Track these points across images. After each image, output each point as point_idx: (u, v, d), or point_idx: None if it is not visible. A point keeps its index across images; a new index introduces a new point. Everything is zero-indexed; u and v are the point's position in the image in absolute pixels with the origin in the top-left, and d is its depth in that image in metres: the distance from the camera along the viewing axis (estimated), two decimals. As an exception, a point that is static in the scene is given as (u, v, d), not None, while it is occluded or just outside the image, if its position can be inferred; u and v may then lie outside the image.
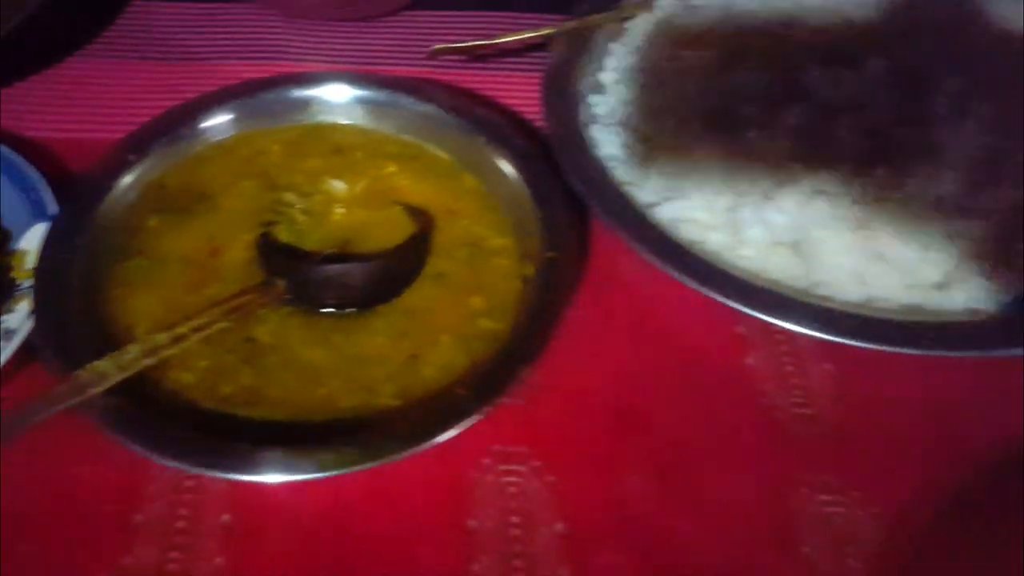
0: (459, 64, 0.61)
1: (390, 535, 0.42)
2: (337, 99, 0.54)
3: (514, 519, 0.42)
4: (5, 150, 0.51)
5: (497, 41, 0.57)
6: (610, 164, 0.49)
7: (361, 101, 0.53)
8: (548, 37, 0.55)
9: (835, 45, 0.46)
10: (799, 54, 0.46)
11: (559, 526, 0.42)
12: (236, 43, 0.63)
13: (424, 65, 0.61)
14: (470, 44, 0.56)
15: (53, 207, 0.49)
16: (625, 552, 0.41)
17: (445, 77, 0.60)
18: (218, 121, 0.53)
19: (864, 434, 0.44)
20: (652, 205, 0.47)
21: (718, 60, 0.48)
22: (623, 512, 0.42)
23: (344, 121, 0.54)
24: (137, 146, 0.51)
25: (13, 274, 0.48)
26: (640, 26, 0.54)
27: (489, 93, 0.60)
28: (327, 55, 0.62)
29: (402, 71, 0.61)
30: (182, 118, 0.52)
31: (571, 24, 0.54)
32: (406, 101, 0.53)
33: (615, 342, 0.48)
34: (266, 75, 0.58)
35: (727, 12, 0.50)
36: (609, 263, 0.50)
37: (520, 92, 0.59)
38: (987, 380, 0.45)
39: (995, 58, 0.46)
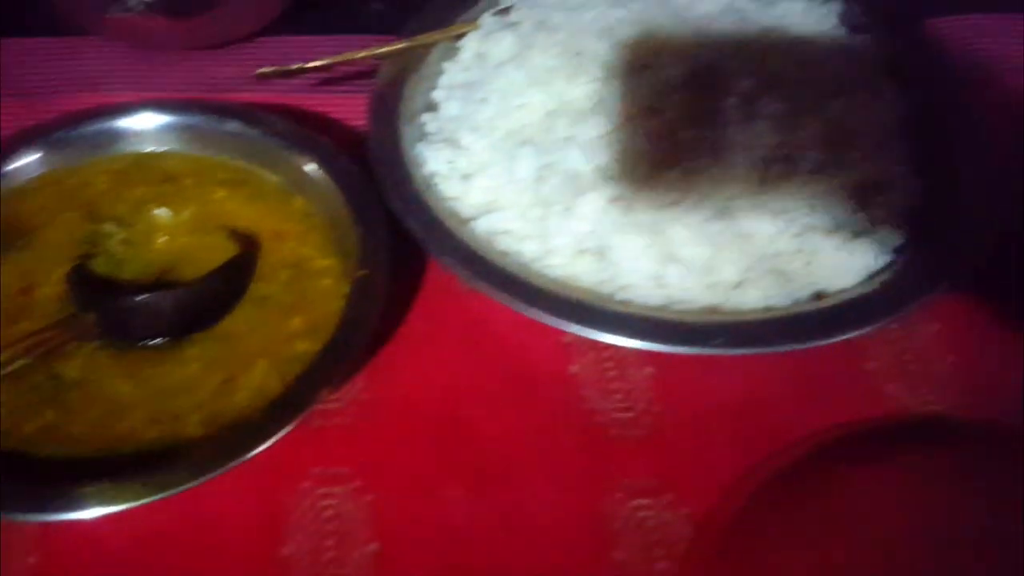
0: (303, 88, 0.61)
1: (201, 567, 0.41)
2: (165, 127, 0.53)
3: (329, 543, 0.42)
4: None
5: (324, 63, 0.57)
6: (434, 180, 0.49)
7: (189, 128, 0.53)
8: (378, 57, 0.55)
9: (635, 54, 0.46)
10: (599, 67, 0.47)
11: (373, 546, 0.41)
12: (88, 76, 0.62)
13: (269, 90, 0.61)
14: (295, 67, 0.56)
15: None
16: (437, 567, 0.41)
17: (289, 100, 0.60)
18: (41, 155, 0.52)
19: (680, 436, 0.44)
20: (472, 218, 0.47)
21: (530, 75, 0.48)
22: (440, 526, 0.42)
23: (174, 149, 0.53)
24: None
25: None
26: (470, 45, 0.54)
27: (333, 115, 0.60)
28: (176, 84, 0.62)
29: (249, 96, 0.61)
30: (7, 153, 0.51)
31: (399, 45, 0.54)
32: (234, 126, 0.53)
33: (444, 356, 0.48)
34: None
35: (540, 27, 0.50)
36: (443, 279, 0.50)
37: (361, 112, 0.59)
38: (800, 374, 0.45)
39: (784, 58, 0.47)
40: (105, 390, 0.43)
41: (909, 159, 0.47)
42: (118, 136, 0.53)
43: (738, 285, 0.42)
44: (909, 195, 0.45)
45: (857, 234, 0.43)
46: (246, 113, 0.53)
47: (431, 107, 0.54)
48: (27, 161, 0.52)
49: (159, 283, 0.48)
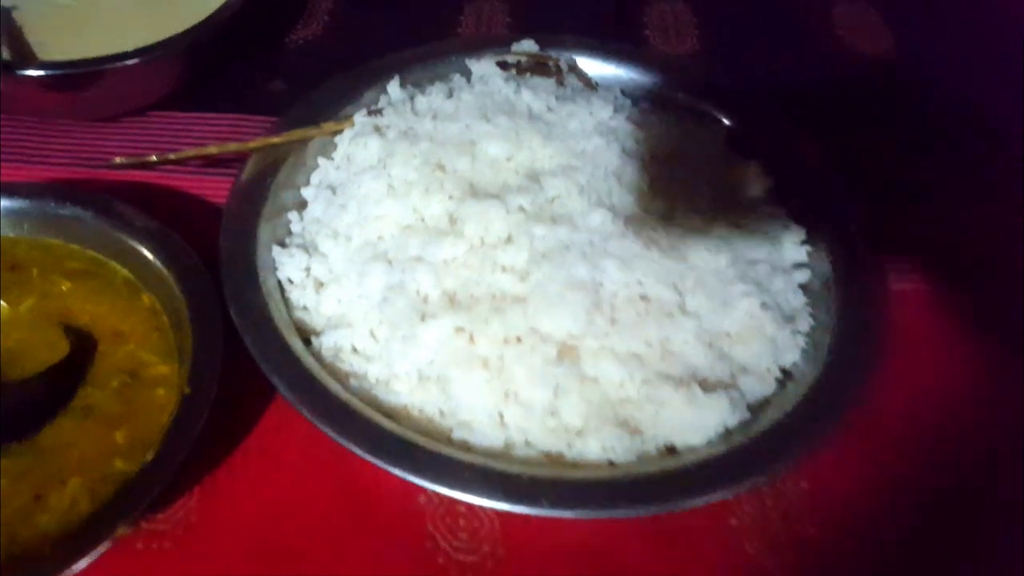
0: (183, 169, 0.59)
1: None
2: (18, 212, 0.51)
3: None
4: None
5: (182, 156, 0.55)
6: (288, 288, 0.46)
7: (42, 215, 0.51)
8: (250, 151, 0.53)
9: (495, 175, 0.45)
10: (457, 185, 0.45)
11: None
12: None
13: (156, 170, 0.59)
14: (153, 158, 0.54)
15: None
16: None
17: (164, 180, 0.58)
18: None
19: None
20: (320, 332, 0.45)
21: (389, 185, 0.47)
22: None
23: (26, 234, 0.51)
24: None
25: None
26: (343, 142, 0.52)
27: (208, 196, 0.57)
28: (57, 156, 0.60)
29: (131, 175, 0.59)
30: None
31: (273, 140, 0.52)
32: (87, 216, 0.50)
33: (283, 477, 0.45)
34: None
35: (405, 135, 0.49)
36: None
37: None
38: (658, 526, 0.43)
39: (646, 193, 0.46)
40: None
41: (774, 308, 0.45)
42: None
43: (581, 432, 0.39)
44: (772, 348, 0.43)
45: (712, 386, 0.41)
46: (101, 202, 0.51)
47: (301, 205, 0.52)
48: None
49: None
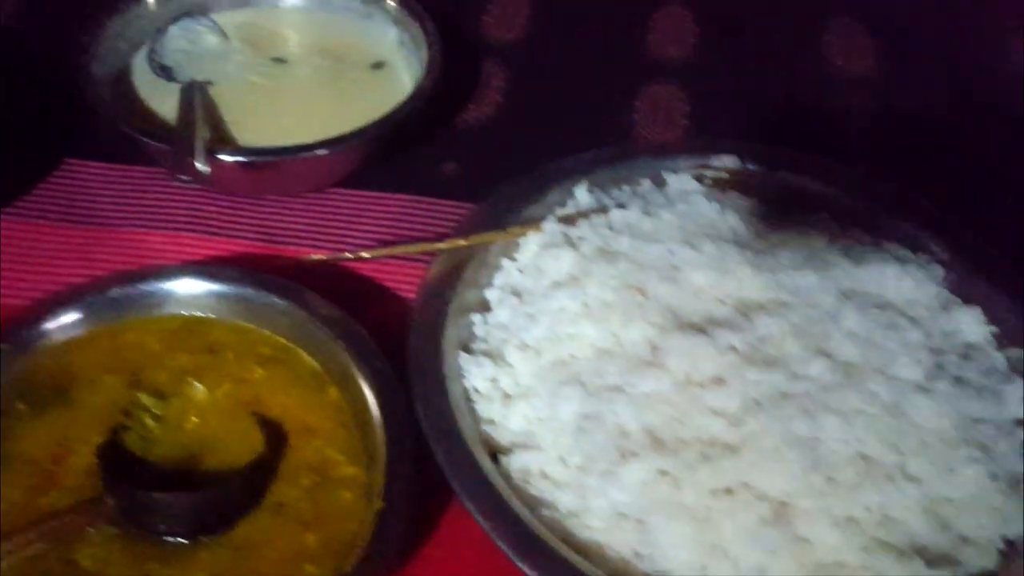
0: (365, 248, 0.61)
1: None
2: (214, 294, 0.54)
3: None
4: None
5: (377, 254, 0.56)
6: (474, 398, 0.47)
7: (239, 299, 0.53)
8: (436, 251, 0.54)
9: (701, 307, 0.44)
10: (659, 313, 0.44)
11: None
12: (153, 211, 0.64)
13: (333, 248, 0.61)
14: (348, 255, 0.56)
15: None
16: None
17: (347, 263, 0.60)
18: (91, 310, 0.53)
19: None
20: (508, 450, 0.45)
21: (584, 304, 0.46)
22: None
23: (222, 316, 0.54)
24: (7, 334, 0.51)
25: None
26: (530, 246, 0.53)
27: (386, 282, 0.59)
28: (241, 230, 0.63)
29: (309, 250, 0.61)
30: (54, 306, 0.53)
31: (459, 243, 0.53)
32: (279, 303, 0.53)
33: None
34: (181, 248, 0.61)
35: (602, 253, 0.48)
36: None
37: (414, 281, 0.58)
38: None
39: (864, 345, 0.43)
40: (113, 585, 0.43)
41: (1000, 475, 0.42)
42: (168, 299, 0.54)
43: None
44: (998, 518, 0.40)
45: (932, 557, 0.39)
46: (292, 290, 0.53)
47: (484, 306, 0.52)
48: (73, 318, 0.53)
49: (184, 469, 0.47)
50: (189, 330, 0.53)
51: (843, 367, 0.42)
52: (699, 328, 0.43)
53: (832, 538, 0.38)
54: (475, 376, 0.47)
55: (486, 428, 0.46)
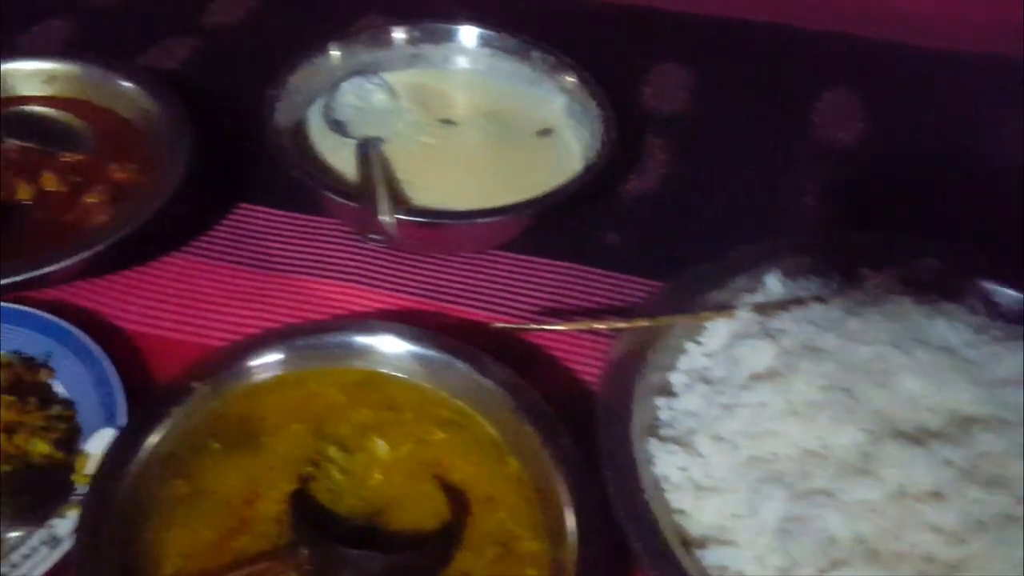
0: (525, 313, 0.63)
1: None
2: (397, 351, 0.56)
3: None
4: (96, 349, 0.56)
5: (560, 328, 0.57)
6: (663, 486, 0.48)
7: (421, 358, 0.55)
8: (618, 331, 0.55)
9: (915, 417, 0.43)
10: (871, 419, 0.44)
11: None
12: (320, 259, 0.67)
13: (493, 309, 0.63)
14: (531, 327, 0.57)
15: (123, 417, 0.53)
16: None
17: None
18: (281, 356, 0.55)
19: None
20: (700, 544, 0.45)
21: (788, 401, 0.46)
22: None
23: (401, 374, 0.55)
24: (203, 373, 0.54)
25: (74, 477, 0.52)
26: (719, 330, 0.53)
27: (560, 356, 0.60)
28: (405, 285, 0.65)
29: (473, 313, 0.63)
30: (246, 350, 0.55)
31: (642, 323, 0.54)
32: (463, 367, 0.54)
33: None
34: (347, 298, 0.64)
35: (807, 349, 0.49)
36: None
37: (589, 358, 0.60)
38: None
39: None
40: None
41: None
42: (350, 351, 0.56)
43: None
44: None
45: None
46: (472, 354, 0.55)
47: (667, 390, 0.53)
48: (267, 361, 0.55)
49: (369, 525, 0.49)
50: (370, 384, 0.55)
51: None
52: (913, 438, 0.43)
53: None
54: (665, 464, 0.48)
55: (676, 518, 0.46)
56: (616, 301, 0.64)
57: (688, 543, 0.45)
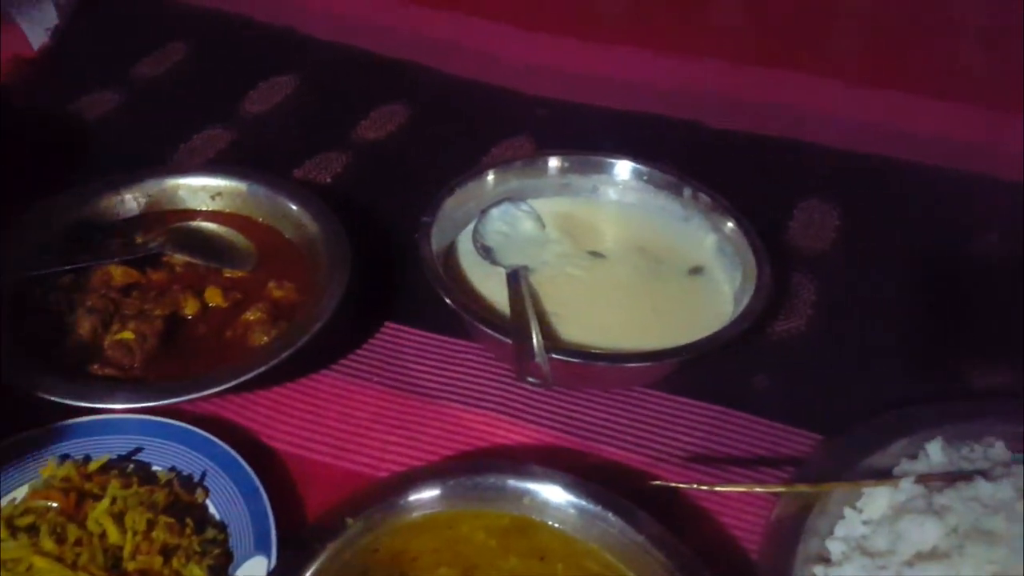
0: (671, 457, 0.63)
1: None
2: (552, 499, 0.57)
3: None
4: (250, 471, 0.59)
5: (717, 489, 0.57)
6: None
7: (575, 507, 0.57)
8: (776, 494, 0.55)
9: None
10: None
11: None
12: (465, 385, 0.69)
13: (641, 452, 0.64)
14: (688, 486, 0.58)
15: (273, 545, 0.55)
16: None
17: (667, 474, 0.63)
18: (435, 493, 0.58)
19: None
20: None
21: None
22: None
23: (553, 522, 0.57)
24: (356, 508, 0.56)
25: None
26: (879, 498, 0.52)
27: (710, 507, 0.61)
28: (551, 419, 0.67)
29: (621, 455, 0.64)
30: (399, 486, 0.58)
31: (803, 489, 0.54)
32: (616, 521, 0.55)
33: None
34: (492, 429, 0.66)
35: (975, 529, 0.47)
36: None
37: (742, 514, 0.60)
38: None
39: None
40: None
41: None
42: (507, 494, 0.58)
43: None
44: None
45: None
46: (629, 511, 0.55)
47: (823, 558, 0.52)
48: (421, 498, 0.57)
49: None
50: (520, 531, 0.57)
51: None
52: None
53: None
54: None
55: None
56: (765, 450, 0.64)
57: None
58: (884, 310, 0.74)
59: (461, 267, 0.74)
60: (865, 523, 0.53)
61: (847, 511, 0.54)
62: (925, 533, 0.49)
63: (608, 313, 0.69)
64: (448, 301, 0.67)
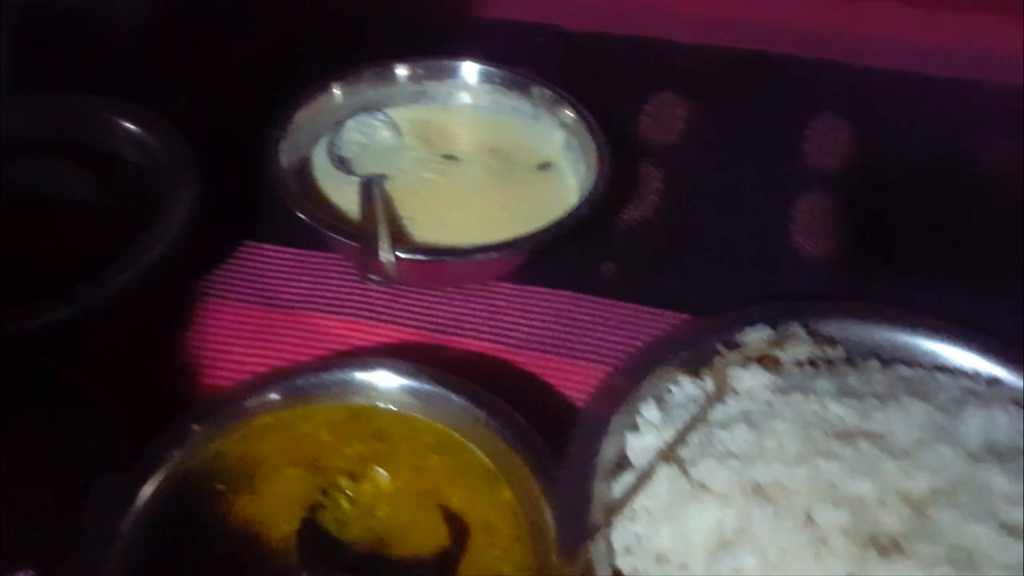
0: (528, 344, 0.67)
1: None
2: (390, 385, 0.60)
3: None
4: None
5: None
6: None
7: (412, 391, 0.59)
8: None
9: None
10: (839, 539, 0.44)
11: None
12: (324, 295, 0.71)
13: (494, 340, 0.67)
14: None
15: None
16: None
17: (510, 356, 0.66)
18: (274, 397, 0.59)
19: None
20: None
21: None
22: None
23: (386, 406, 0.59)
24: (201, 417, 0.58)
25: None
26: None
27: (551, 379, 0.65)
28: (408, 319, 0.69)
29: (475, 345, 0.68)
30: (244, 391, 0.60)
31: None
32: (455, 399, 0.58)
33: None
34: (350, 333, 0.68)
35: (744, 491, 0.48)
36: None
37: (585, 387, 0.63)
38: None
39: None
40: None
41: None
42: (350, 387, 0.60)
43: None
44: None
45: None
46: (466, 388, 0.58)
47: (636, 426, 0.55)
48: (264, 401, 0.59)
49: (374, 553, 0.53)
50: (358, 418, 0.59)
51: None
52: (884, 546, 0.44)
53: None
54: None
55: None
56: (614, 328, 0.68)
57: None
58: (730, 199, 0.78)
59: (316, 180, 0.75)
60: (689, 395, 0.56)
61: (683, 378, 0.57)
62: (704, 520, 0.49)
63: (460, 214, 0.72)
64: (298, 213, 0.69)
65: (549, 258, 0.72)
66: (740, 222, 0.76)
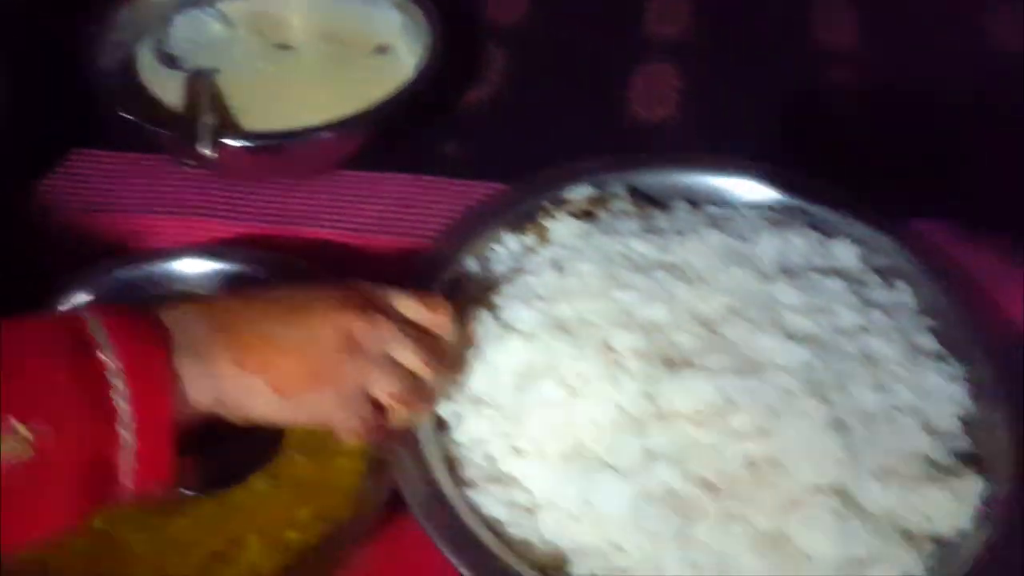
0: (367, 227, 0.66)
1: None
2: (209, 274, 0.59)
3: None
4: None
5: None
6: (499, 528, 0.47)
7: (226, 277, 0.59)
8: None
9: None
10: (636, 362, 0.47)
11: None
12: (162, 197, 0.69)
13: (341, 226, 0.66)
14: None
15: None
16: None
17: (351, 240, 0.65)
18: (103, 292, 0.58)
19: None
20: (559, 563, 0.46)
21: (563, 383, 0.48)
22: None
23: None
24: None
25: None
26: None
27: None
28: (250, 213, 0.68)
29: (318, 231, 0.66)
30: (61, 289, 0.58)
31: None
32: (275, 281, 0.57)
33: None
34: (191, 232, 0.66)
35: (549, 328, 0.49)
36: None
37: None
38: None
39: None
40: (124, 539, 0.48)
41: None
42: (172, 280, 0.59)
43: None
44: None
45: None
46: (296, 268, 0.58)
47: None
48: (84, 299, 0.58)
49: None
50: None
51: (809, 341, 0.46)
52: (677, 362, 0.47)
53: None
54: (489, 506, 0.48)
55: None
56: (457, 206, 0.66)
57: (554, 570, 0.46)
58: (570, 76, 0.78)
59: (143, 79, 0.72)
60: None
61: (507, 236, 0.58)
62: (510, 356, 0.50)
63: (296, 102, 0.70)
64: (120, 111, 0.67)
65: (392, 143, 0.70)
66: (580, 96, 0.76)
